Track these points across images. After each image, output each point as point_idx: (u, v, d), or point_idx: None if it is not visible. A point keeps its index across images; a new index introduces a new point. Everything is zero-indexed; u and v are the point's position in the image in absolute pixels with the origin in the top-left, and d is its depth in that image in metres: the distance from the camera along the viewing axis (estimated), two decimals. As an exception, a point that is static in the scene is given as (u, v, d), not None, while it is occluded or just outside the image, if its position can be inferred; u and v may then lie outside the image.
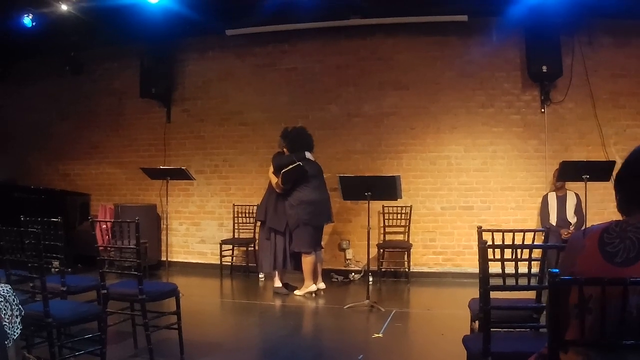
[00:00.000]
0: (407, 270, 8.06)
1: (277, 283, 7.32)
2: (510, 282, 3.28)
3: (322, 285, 7.29)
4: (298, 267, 7.24)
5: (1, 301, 3.32)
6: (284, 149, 7.25)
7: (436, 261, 8.28)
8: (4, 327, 3.28)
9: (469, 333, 3.79)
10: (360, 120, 8.52)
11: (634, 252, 1.75)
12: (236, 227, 8.78)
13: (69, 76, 9.57)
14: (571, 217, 7.45)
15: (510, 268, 3.28)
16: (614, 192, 2.02)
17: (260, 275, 8.09)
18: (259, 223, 7.66)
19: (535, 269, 3.52)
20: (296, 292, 7.19)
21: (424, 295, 7.59)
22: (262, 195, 7.47)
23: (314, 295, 7.10)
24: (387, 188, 6.50)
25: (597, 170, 6.46)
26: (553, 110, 8.00)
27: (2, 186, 8.92)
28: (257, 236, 8.19)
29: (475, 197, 8.18)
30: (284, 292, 7.24)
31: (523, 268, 3.32)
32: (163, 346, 4.74)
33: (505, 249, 3.26)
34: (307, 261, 7.06)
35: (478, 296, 3.15)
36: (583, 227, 5.59)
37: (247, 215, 8.76)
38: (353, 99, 8.59)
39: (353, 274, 8.26)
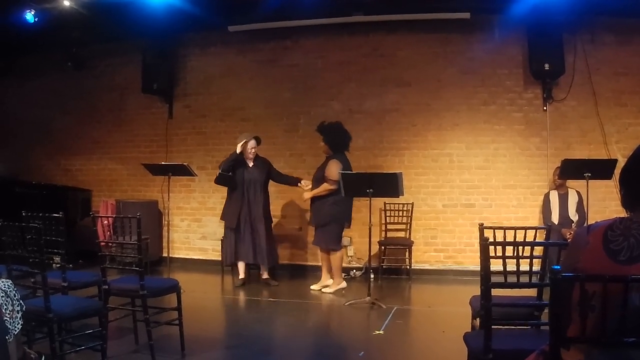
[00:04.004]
0: (408, 267, 8.05)
1: (242, 275, 7.62)
2: (512, 279, 3.27)
3: (330, 282, 7.36)
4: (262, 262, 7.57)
5: (2, 296, 3.32)
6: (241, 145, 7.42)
7: (437, 258, 8.28)
8: (5, 322, 3.28)
9: (470, 330, 3.79)
10: (362, 117, 8.50)
11: (637, 250, 1.74)
12: (237, 224, 8.78)
13: (71, 72, 9.57)
14: (573, 215, 7.44)
15: (511, 265, 3.27)
16: (616, 190, 2.02)
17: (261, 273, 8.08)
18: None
19: (536, 266, 3.51)
20: (326, 289, 7.22)
21: (425, 293, 7.59)
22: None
23: (343, 292, 7.15)
24: (389, 185, 6.48)
25: (598, 169, 6.45)
26: (555, 108, 7.98)
27: (3, 181, 8.92)
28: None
29: (476, 194, 8.17)
30: (240, 283, 7.56)
31: (524, 266, 3.31)
32: (164, 342, 4.75)
33: (506, 247, 3.25)
34: (336, 257, 7.13)
35: (479, 293, 3.15)
36: (585, 225, 5.59)
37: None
38: (355, 96, 8.58)
39: (354, 271, 8.26)
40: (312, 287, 7.37)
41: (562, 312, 1.81)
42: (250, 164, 7.53)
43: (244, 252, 7.51)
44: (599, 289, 1.70)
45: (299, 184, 7.64)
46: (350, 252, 8.44)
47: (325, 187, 6.99)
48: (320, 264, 7.53)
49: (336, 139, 7.16)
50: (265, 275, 7.62)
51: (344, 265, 8.32)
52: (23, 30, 7.94)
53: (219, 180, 7.70)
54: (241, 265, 7.64)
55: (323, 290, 7.25)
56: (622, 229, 1.81)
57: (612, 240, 1.80)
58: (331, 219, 7.03)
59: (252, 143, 7.48)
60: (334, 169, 6.92)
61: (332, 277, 7.30)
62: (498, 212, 8.02)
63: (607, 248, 1.80)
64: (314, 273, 8.44)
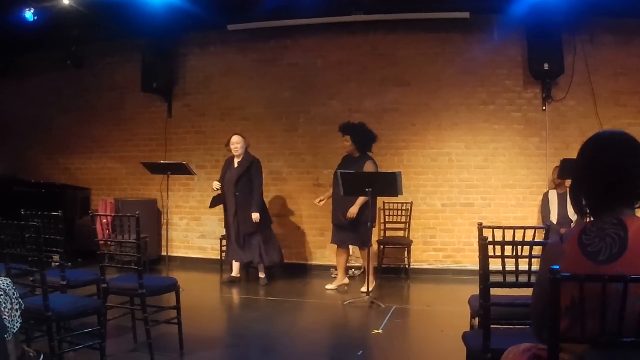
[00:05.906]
0: (407, 266, 8.06)
1: (233, 273, 7.68)
2: (511, 279, 3.28)
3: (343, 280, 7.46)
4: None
5: (1, 294, 3.33)
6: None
7: (436, 258, 8.28)
8: (3, 320, 3.28)
9: (468, 329, 3.80)
10: (361, 116, 8.44)
11: (615, 248, 1.75)
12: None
13: (70, 70, 9.55)
14: (572, 215, 7.44)
15: (510, 265, 3.27)
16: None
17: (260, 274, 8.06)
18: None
19: (535, 266, 3.51)
20: (329, 286, 7.32)
21: (423, 292, 7.60)
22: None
23: (346, 288, 7.30)
24: (388, 184, 6.48)
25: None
26: (554, 108, 7.99)
27: (2, 180, 8.90)
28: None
29: (475, 194, 8.17)
30: (227, 280, 7.63)
31: (523, 265, 3.32)
32: (162, 341, 4.75)
33: (505, 246, 3.25)
34: (372, 253, 7.07)
35: (478, 293, 3.15)
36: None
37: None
38: (354, 95, 8.58)
39: (353, 270, 8.26)
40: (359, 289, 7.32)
41: (544, 316, 1.82)
42: (236, 163, 7.54)
43: (231, 251, 7.63)
44: (587, 292, 1.70)
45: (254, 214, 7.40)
46: (349, 251, 8.43)
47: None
48: (320, 262, 7.53)
49: (365, 139, 7.18)
50: (261, 275, 7.60)
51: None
52: (22, 28, 7.93)
53: (212, 204, 8.01)
54: (235, 264, 7.65)
55: (327, 287, 7.32)
56: (596, 231, 1.82)
57: (588, 244, 1.81)
58: (366, 220, 6.88)
59: (233, 139, 7.49)
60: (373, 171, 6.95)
61: (338, 274, 7.42)
62: (497, 212, 8.02)
63: (585, 251, 1.81)
64: (311, 272, 8.47)
